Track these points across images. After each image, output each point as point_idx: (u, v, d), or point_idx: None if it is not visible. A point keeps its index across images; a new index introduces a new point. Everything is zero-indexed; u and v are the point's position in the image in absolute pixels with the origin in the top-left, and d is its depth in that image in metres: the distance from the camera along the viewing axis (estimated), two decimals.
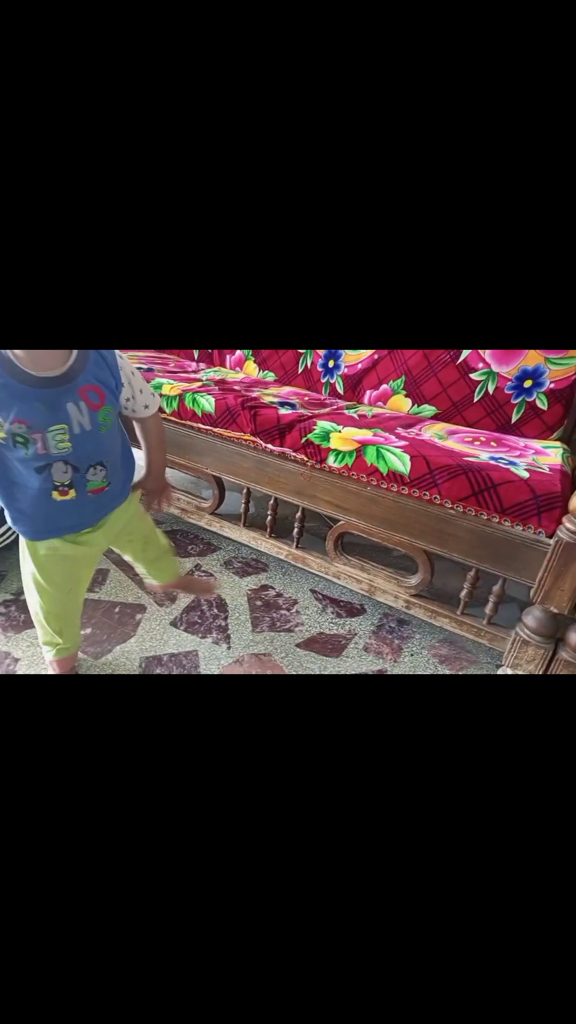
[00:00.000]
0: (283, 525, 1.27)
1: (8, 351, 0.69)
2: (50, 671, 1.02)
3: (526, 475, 0.94)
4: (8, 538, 1.29)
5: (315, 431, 1.11)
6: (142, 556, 1.01)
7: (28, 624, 1.19)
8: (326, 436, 1.10)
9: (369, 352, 1.51)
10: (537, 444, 1.21)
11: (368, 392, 1.52)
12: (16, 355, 0.69)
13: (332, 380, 1.58)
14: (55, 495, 0.77)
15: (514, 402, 1.31)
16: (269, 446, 1.17)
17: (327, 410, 1.31)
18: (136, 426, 0.91)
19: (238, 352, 1.77)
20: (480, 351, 1.33)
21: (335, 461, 1.09)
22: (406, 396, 1.45)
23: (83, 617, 1.06)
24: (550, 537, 0.90)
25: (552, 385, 1.26)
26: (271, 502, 1.25)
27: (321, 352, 1.59)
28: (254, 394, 1.33)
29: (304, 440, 1.12)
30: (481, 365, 1.33)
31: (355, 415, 1.30)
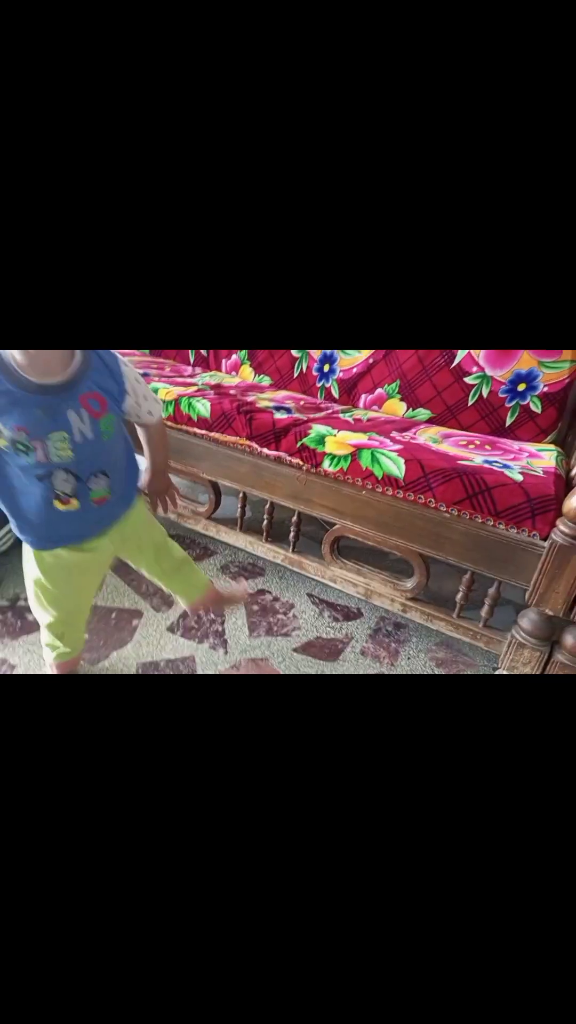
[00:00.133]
0: (279, 529, 1.28)
1: (9, 358, 0.68)
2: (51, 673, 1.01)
3: (520, 478, 0.95)
4: (5, 545, 1.29)
5: (310, 435, 1.12)
6: (157, 568, 0.98)
7: (24, 630, 1.19)
8: (321, 440, 1.10)
9: (364, 356, 1.51)
10: (531, 447, 1.22)
11: (363, 396, 1.52)
12: (17, 362, 0.68)
13: (327, 384, 1.58)
14: (57, 504, 0.76)
15: (508, 405, 1.31)
16: (265, 450, 1.18)
17: (322, 414, 1.32)
18: (139, 430, 0.90)
19: (234, 356, 1.77)
20: (474, 355, 1.34)
21: (330, 465, 1.09)
22: (401, 400, 1.46)
23: None
24: (544, 540, 0.91)
25: (546, 388, 1.27)
26: (267, 506, 1.25)
27: (316, 357, 1.59)
28: (250, 398, 1.33)
29: (299, 444, 1.12)
30: (475, 369, 1.33)
31: (350, 419, 1.31)
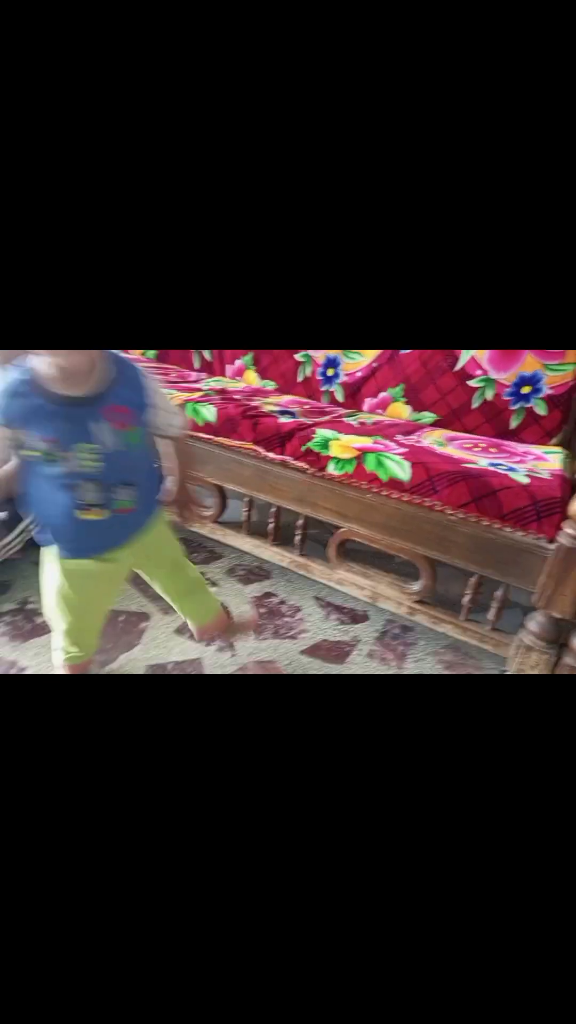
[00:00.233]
0: (285, 533, 1.28)
1: (38, 371, 0.70)
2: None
3: (526, 481, 0.95)
4: (13, 549, 1.30)
5: (315, 439, 1.13)
6: (172, 587, 0.99)
7: (34, 633, 1.20)
8: (326, 444, 1.11)
9: (368, 360, 1.52)
10: (536, 450, 1.22)
11: (367, 400, 1.53)
12: (45, 375, 0.70)
13: (332, 388, 1.59)
14: (82, 514, 0.77)
15: (513, 408, 1.31)
16: (270, 454, 1.18)
17: (327, 418, 1.32)
18: (161, 442, 0.90)
19: (238, 362, 1.78)
20: (477, 358, 1.34)
21: (335, 469, 1.10)
22: (405, 403, 1.46)
23: None
24: (551, 542, 0.91)
25: (550, 391, 1.27)
26: (273, 510, 1.26)
27: (320, 361, 1.60)
28: (255, 403, 1.34)
29: (304, 448, 1.13)
30: (479, 372, 1.34)
31: (355, 423, 1.31)
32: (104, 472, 0.75)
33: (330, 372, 1.59)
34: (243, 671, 1.13)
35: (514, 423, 1.32)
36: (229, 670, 1.13)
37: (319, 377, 1.61)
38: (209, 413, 1.26)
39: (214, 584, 1.41)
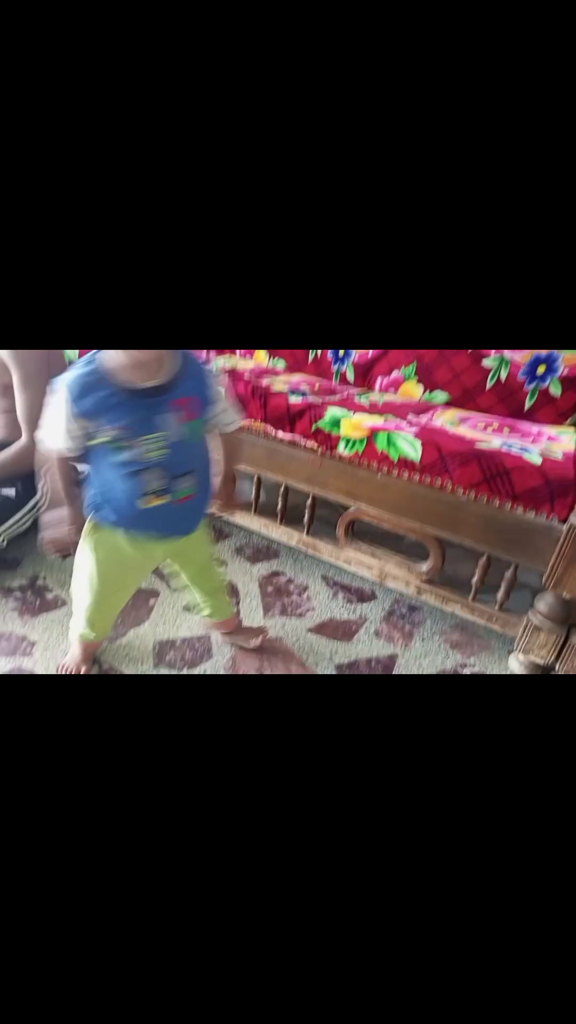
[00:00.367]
0: (294, 512, 1.28)
1: (113, 363, 0.72)
2: (72, 649, 1.03)
3: (539, 461, 0.94)
4: (24, 525, 1.31)
5: (325, 418, 1.11)
6: (198, 582, 1.03)
7: (44, 608, 1.21)
8: (336, 423, 1.10)
9: None
10: (550, 430, 1.20)
11: (379, 379, 1.51)
12: (120, 366, 0.72)
13: (343, 368, 1.57)
14: (146, 500, 0.81)
15: (527, 389, 1.29)
16: (279, 433, 1.18)
17: (337, 397, 1.31)
18: (214, 437, 0.92)
19: None
20: None
21: (346, 448, 1.09)
22: (418, 383, 1.44)
23: None
24: (563, 523, 0.90)
25: (566, 371, 1.25)
26: (282, 489, 1.26)
27: None
28: (264, 382, 1.33)
29: (314, 427, 1.12)
30: (493, 352, 1.31)
31: (366, 402, 1.30)
32: (168, 461, 0.79)
33: (341, 352, 1.57)
34: (251, 647, 1.14)
35: (528, 404, 1.30)
36: (235, 649, 1.14)
37: (330, 356, 1.59)
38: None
39: (223, 563, 1.41)
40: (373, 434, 1.06)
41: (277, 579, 1.37)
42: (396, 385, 1.48)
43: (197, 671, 1.09)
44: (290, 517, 1.29)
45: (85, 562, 0.90)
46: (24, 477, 1.32)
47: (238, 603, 1.27)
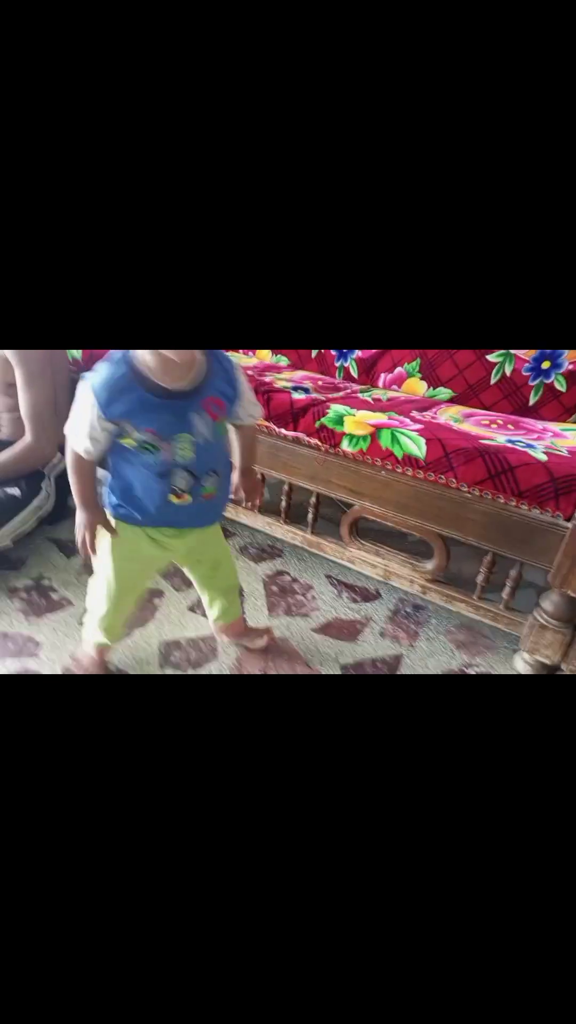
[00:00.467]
0: (298, 510, 1.27)
1: (144, 365, 0.72)
2: (85, 656, 1.03)
3: (544, 458, 0.93)
4: (29, 525, 1.31)
5: (329, 415, 1.11)
6: (210, 581, 1.03)
7: (49, 609, 1.21)
8: (340, 420, 1.09)
9: None
10: (555, 427, 1.19)
11: (383, 375, 1.50)
12: (150, 368, 0.72)
13: (346, 364, 1.56)
14: (173, 498, 0.81)
15: (531, 384, 1.28)
16: (283, 431, 1.17)
17: (341, 394, 1.30)
18: (234, 432, 0.91)
19: None
20: None
21: (349, 445, 1.08)
22: (421, 379, 1.43)
23: None
24: (568, 520, 0.89)
25: (571, 367, 1.23)
26: (285, 487, 1.25)
27: None
28: (267, 379, 1.32)
29: (318, 424, 1.11)
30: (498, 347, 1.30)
31: (369, 399, 1.29)
32: (196, 461, 0.79)
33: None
34: (255, 647, 1.14)
35: (533, 399, 1.29)
36: (242, 650, 1.14)
37: (333, 352, 1.58)
38: None
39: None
40: (377, 431, 1.05)
41: (281, 578, 1.36)
42: (400, 381, 1.47)
43: (202, 672, 1.09)
44: (294, 515, 1.29)
45: (103, 560, 0.90)
46: (28, 476, 1.32)
47: (243, 602, 1.27)
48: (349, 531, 1.20)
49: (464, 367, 1.36)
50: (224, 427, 0.82)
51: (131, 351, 0.72)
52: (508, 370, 1.31)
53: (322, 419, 1.11)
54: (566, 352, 1.24)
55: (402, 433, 1.03)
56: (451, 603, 1.11)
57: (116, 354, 0.73)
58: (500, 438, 1.04)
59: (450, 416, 1.21)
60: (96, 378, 0.73)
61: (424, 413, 1.21)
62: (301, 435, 1.15)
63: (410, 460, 1.02)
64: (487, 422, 1.19)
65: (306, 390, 1.26)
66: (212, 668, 1.09)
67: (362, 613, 1.27)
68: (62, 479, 1.30)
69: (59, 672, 1.05)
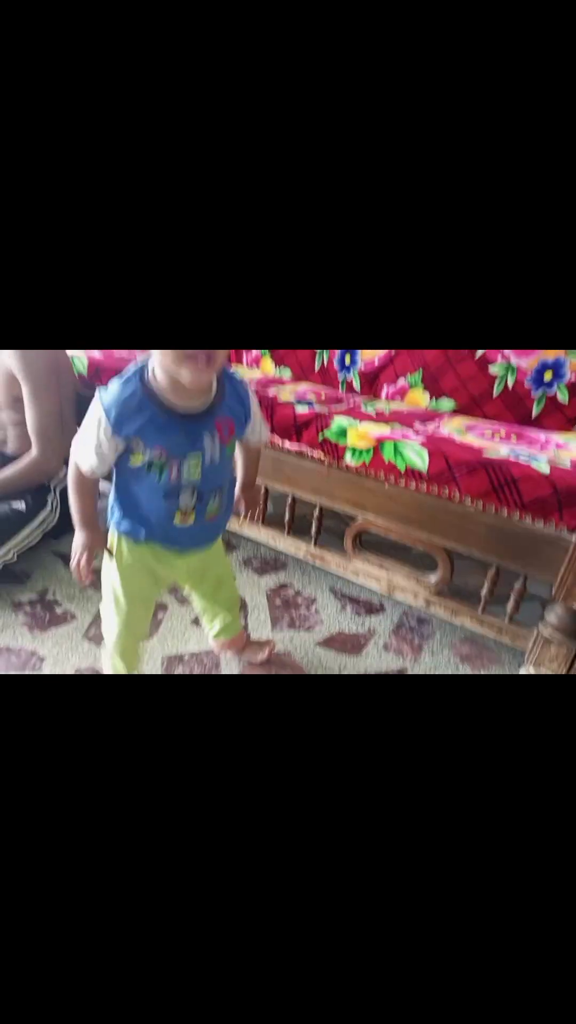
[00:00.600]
0: (301, 523, 1.27)
1: (158, 385, 0.71)
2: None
3: (547, 470, 0.93)
4: (34, 538, 1.32)
5: (332, 428, 1.11)
6: (213, 598, 1.02)
7: (53, 623, 1.22)
8: (343, 433, 1.10)
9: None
10: (558, 438, 1.18)
11: (386, 387, 1.51)
12: (163, 389, 0.72)
13: (349, 377, 1.57)
14: (177, 518, 0.81)
15: (534, 395, 1.28)
16: (286, 444, 1.17)
17: (344, 406, 1.30)
18: (240, 449, 0.91)
19: (255, 350, 1.77)
20: None
21: (352, 458, 1.08)
22: (424, 391, 1.43)
23: None
24: (572, 533, 0.88)
25: (573, 377, 1.23)
26: (288, 500, 1.25)
27: (337, 349, 1.58)
28: (271, 392, 1.33)
29: (321, 438, 1.12)
30: (500, 359, 1.31)
31: (372, 411, 1.29)
32: (203, 481, 0.78)
33: (347, 360, 1.57)
34: (259, 662, 1.13)
35: (536, 410, 1.29)
36: (245, 663, 1.14)
37: (336, 365, 1.59)
38: None
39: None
40: (380, 444, 1.05)
41: (285, 591, 1.36)
42: (402, 393, 1.47)
43: None
44: (297, 528, 1.29)
45: (110, 580, 0.89)
46: (34, 491, 1.33)
47: (246, 616, 1.27)
48: (353, 544, 1.20)
49: (467, 379, 1.37)
50: (233, 448, 0.82)
51: (145, 370, 0.72)
52: (510, 382, 1.31)
53: (325, 432, 1.11)
54: (568, 363, 1.24)
55: (405, 445, 1.03)
56: (455, 616, 1.10)
57: (129, 372, 0.73)
58: (503, 450, 1.03)
59: (453, 428, 1.21)
60: (108, 395, 0.72)
61: (427, 425, 1.21)
62: (304, 448, 1.15)
63: (413, 473, 1.02)
64: (490, 434, 1.19)
65: (309, 403, 1.27)
66: None
67: (366, 626, 1.26)
68: (68, 493, 1.30)
69: None
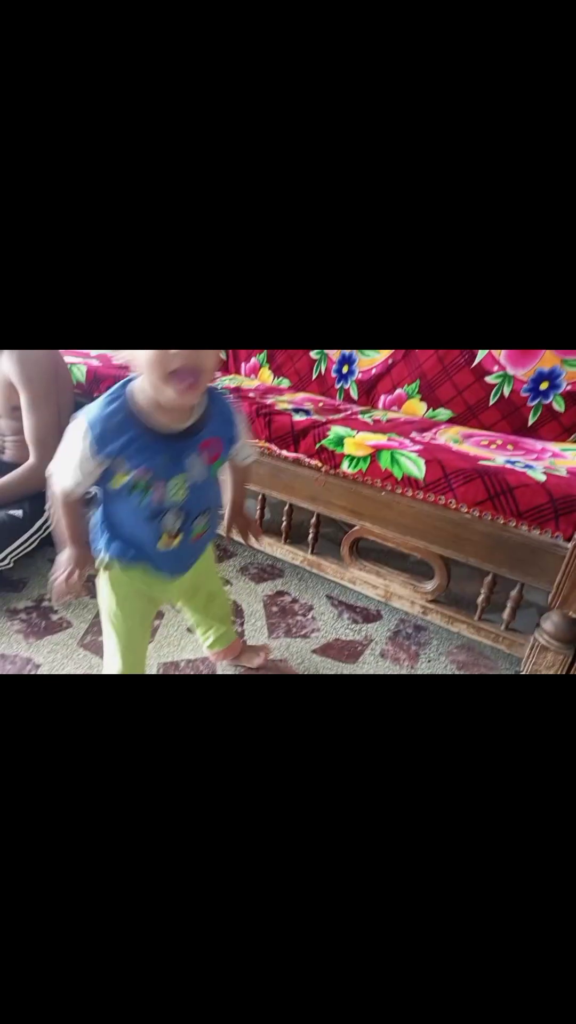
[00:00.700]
0: (298, 531, 1.28)
1: (142, 403, 0.69)
2: None
3: (543, 478, 0.93)
4: (31, 545, 1.32)
5: (329, 437, 1.12)
6: (205, 612, 1.02)
7: (49, 630, 1.21)
8: (340, 441, 1.10)
9: (383, 357, 1.51)
10: (554, 447, 1.19)
11: (383, 396, 1.52)
12: (148, 408, 0.69)
13: (346, 386, 1.58)
14: (163, 541, 0.78)
15: (530, 405, 1.29)
16: (283, 452, 1.18)
17: (341, 415, 1.31)
18: (227, 468, 0.90)
19: (253, 359, 1.78)
20: (495, 354, 1.32)
21: (349, 466, 1.09)
22: (421, 400, 1.44)
23: None
24: (568, 541, 0.89)
25: (569, 387, 1.25)
26: (286, 508, 1.26)
27: (335, 358, 1.59)
28: (268, 401, 1.34)
29: (318, 446, 1.12)
30: (496, 368, 1.32)
31: (369, 420, 1.30)
32: (189, 502, 0.76)
33: (345, 369, 1.58)
34: (255, 669, 1.13)
35: (532, 420, 1.30)
36: (241, 667, 1.13)
37: (334, 374, 1.60)
38: None
39: (227, 583, 1.41)
40: (376, 452, 1.06)
41: (282, 599, 1.36)
42: (400, 402, 1.48)
43: None
44: (295, 536, 1.29)
45: (106, 602, 0.86)
46: (32, 498, 1.33)
47: (243, 623, 1.27)
48: (350, 551, 1.20)
49: (463, 388, 1.38)
50: (219, 467, 0.80)
51: (129, 389, 0.70)
52: (507, 391, 1.32)
53: (322, 440, 1.12)
54: (564, 373, 1.25)
55: (401, 454, 1.03)
56: (452, 624, 1.10)
57: (113, 391, 0.71)
58: (499, 458, 1.04)
59: (449, 437, 1.22)
60: (91, 412, 0.70)
61: (424, 434, 1.22)
62: (302, 456, 1.16)
63: (410, 481, 1.02)
64: (486, 442, 1.20)
65: (307, 412, 1.28)
66: None
67: (363, 634, 1.26)
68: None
69: None
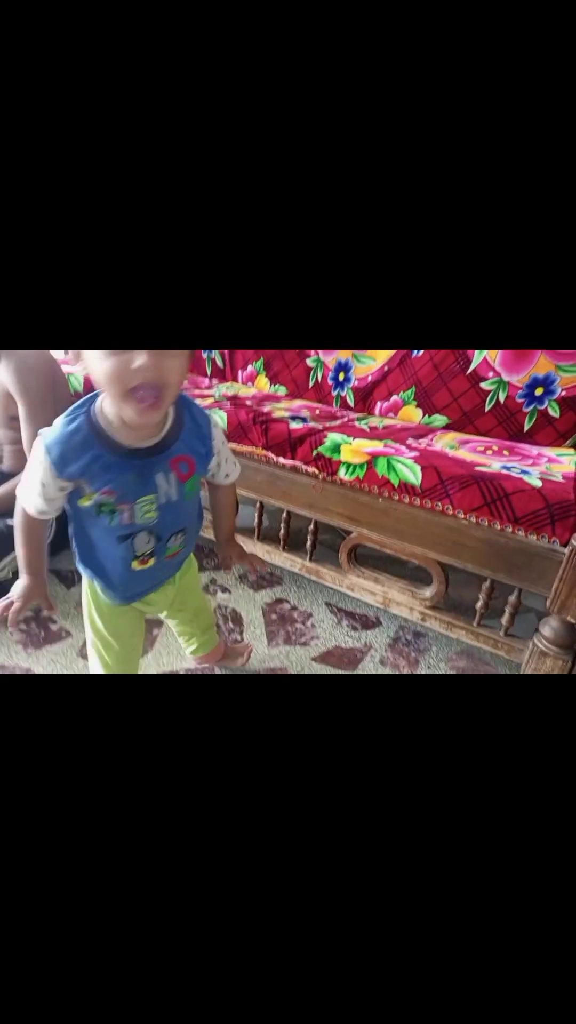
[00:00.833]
0: (296, 538, 1.28)
1: (102, 421, 0.66)
2: None
3: (539, 484, 0.94)
4: None
5: (326, 444, 1.12)
6: (190, 624, 1.03)
7: (48, 640, 1.21)
8: (337, 448, 1.11)
9: (379, 364, 1.51)
10: (550, 452, 1.20)
11: (379, 404, 1.52)
12: (111, 425, 0.66)
13: (343, 393, 1.59)
14: (135, 564, 0.75)
15: (526, 410, 1.30)
16: (281, 460, 1.18)
17: (338, 422, 1.32)
18: (210, 491, 0.87)
19: (250, 367, 1.79)
20: (489, 360, 1.33)
21: (346, 473, 1.09)
22: (417, 407, 1.45)
23: None
24: (564, 546, 0.89)
25: (564, 392, 1.25)
26: (284, 515, 1.26)
27: (331, 365, 1.60)
28: (265, 409, 1.35)
29: (315, 453, 1.13)
30: (491, 374, 1.33)
31: (366, 427, 1.31)
32: (160, 522, 0.72)
33: (341, 376, 1.59)
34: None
35: (527, 425, 1.30)
36: (226, 671, 1.13)
37: (330, 382, 1.61)
38: (220, 419, 1.26)
39: (226, 590, 1.41)
40: (373, 459, 1.06)
41: (281, 606, 1.36)
42: (396, 409, 1.49)
43: None
44: (293, 543, 1.29)
45: (93, 622, 0.85)
46: None
47: (242, 632, 1.27)
48: (348, 558, 1.20)
49: (459, 394, 1.38)
50: (195, 485, 0.75)
51: (97, 404, 0.66)
52: (502, 397, 1.32)
53: (319, 448, 1.12)
54: (559, 378, 1.26)
55: (398, 461, 1.04)
56: (451, 630, 1.10)
57: (75, 407, 0.67)
58: (495, 464, 1.05)
59: (446, 443, 1.23)
60: (51, 433, 0.66)
61: (420, 441, 1.22)
62: (299, 463, 1.16)
63: (406, 487, 1.02)
64: (482, 448, 1.20)
65: (304, 419, 1.28)
66: None
67: (362, 641, 1.26)
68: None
69: None
